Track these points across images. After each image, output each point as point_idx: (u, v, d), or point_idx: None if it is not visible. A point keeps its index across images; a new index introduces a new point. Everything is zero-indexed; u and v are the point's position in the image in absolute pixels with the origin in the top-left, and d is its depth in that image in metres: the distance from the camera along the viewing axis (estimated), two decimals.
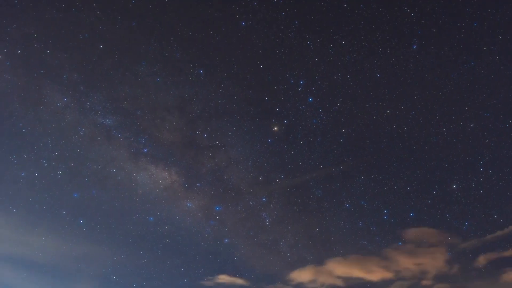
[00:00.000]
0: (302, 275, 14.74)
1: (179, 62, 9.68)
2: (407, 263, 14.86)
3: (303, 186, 13.56)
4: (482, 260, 14.11)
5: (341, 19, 10.89)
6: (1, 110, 8.78)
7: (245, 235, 13.64)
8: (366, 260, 14.91)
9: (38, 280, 11.77)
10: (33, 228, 10.68)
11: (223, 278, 14.04)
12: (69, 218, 10.86)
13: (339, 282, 14.92)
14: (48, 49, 8.45)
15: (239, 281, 14.20)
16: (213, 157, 11.76)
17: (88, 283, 12.62)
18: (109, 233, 11.65)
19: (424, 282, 14.66)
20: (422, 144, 13.50)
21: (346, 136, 13.01)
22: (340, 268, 14.91)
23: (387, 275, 14.83)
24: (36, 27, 8.20)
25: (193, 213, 12.48)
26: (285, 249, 14.47)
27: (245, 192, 12.80)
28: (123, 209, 11.43)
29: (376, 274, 14.87)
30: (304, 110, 12.01)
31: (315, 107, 12.10)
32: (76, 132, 9.76)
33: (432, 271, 14.65)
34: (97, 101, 9.66)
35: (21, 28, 8.14)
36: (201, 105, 10.67)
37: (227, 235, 13.30)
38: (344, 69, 11.75)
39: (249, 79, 10.79)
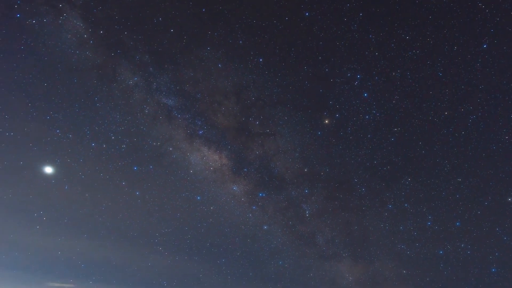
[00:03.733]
0: None
1: (241, 49, 9.90)
2: None
3: (347, 182, 13.34)
4: None
5: (407, 13, 10.42)
6: (81, 85, 9.66)
7: (284, 224, 13.79)
8: None
9: (91, 241, 12.88)
10: (96, 195, 11.69)
11: None
12: (127, 189, 11.73)
13: None
14: (126, 30, 9.09)
15: None
16: (262, 145, 11.97)
17: (135, 251, 13.59)
18: (160, 207, 12.40)
19: None
20: (479, 151, 12.64)
21: (397, 135, 12.54)
22: None
23: None
24: (118, 9, 8.84)
25: (238, 197, 12.85)
26: (321, 243, 14.44)
27: (289, 182, 12.90)
28: (174, 186, 12.09)
29: None
30: (358, 105, 11.75)
31: (369, 103, 11.78)
32: (141, 110, 10.47)
33: None
34: (163, 82, 10.25)
35: (105, 10, 8.83)
36: (257, 92, 10.86)
37: (266, 221, 13.54)
38: (404, 65, 11.27)
39: (306, 70, 10.75)
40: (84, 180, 11.17)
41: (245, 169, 12.31)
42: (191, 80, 10.25)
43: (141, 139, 10.88)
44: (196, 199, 12.42)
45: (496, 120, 12.03)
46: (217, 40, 9.66)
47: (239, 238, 13.71)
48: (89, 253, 12.83)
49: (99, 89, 9.85)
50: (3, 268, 12.63)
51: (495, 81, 11.49)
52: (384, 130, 12.36)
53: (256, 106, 11.09)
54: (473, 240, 14.02)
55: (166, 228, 12.88)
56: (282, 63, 10.47)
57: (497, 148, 12.42)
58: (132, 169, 11.35)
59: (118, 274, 13.60)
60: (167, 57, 9.66)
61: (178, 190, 12.13)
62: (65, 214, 11.84)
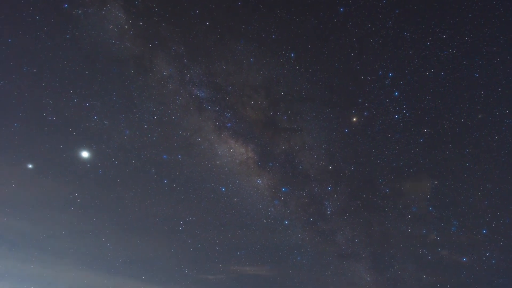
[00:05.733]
0: None
1: (273, 44, 9.80)
2: None
3: (371, 181, 12.98)
4: None
5: (446, 11, 9.95)
6: (119, 74, 9.91)
7: (304, 220, 13.63)
8: None
9: (120, 224, 13.25)
10: (127, 181, 12.00)
11: None
12: (156, 176, 11.97)
13: None
14: (164, 22, 9.21)
15: None
16: (289, 140, 11.84)
17: (160, 237, 13.87)
18: (186, 196, 12.56)
19: None
20: None
21: (427, 137, 12.05)
22: None
23: None
24: (158, 1, 8.98)
25: (261, 191, 12.81)
26: (341, 241, 14.15)
27: (313, 179, 12.71)
28: (201, 176, 12.20)
29: None
30: (387, 104, 11.37)
31: (399, 102, 11.37)
32: (174, 101, 10.61)
33: None
34: (196, 74, 10.32)
35: (145, 2, 8.99)
36: (286, 87, 10.72)
37: (288, 217, 13.42)
38: (439, 65, 10.78)
39: (337, 66, 10.51)
40: (117, 166, 11.51)
41: (270, 164, 12.25)
42: (223, 73, 10.28)
43: (172, 129, 11.05)
44: (220, 190, 12.50)
45: None
46: (250, 34, 9.62)
47: (260, 231, 13.70)
48: (117, 235, 13.23)
49: (136, 79, 10.09)
50: (37, 247, 13.24)
51: None
52: (413, 131, 11.92)
53: (285, 101, 10.98)
54: (499, 249, 13.32)
55: (191, 216, 13.06)
56: (313, 59, 10.29)
57: None
58: (162, 158, 11.56)
59: (143, 257, 13.96)
60: (201, 50, 9.73)
61: (204, 181, 12.26)
62: (97, 198, 12.26)
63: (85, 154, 11.14)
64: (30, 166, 11.25)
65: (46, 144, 10.88)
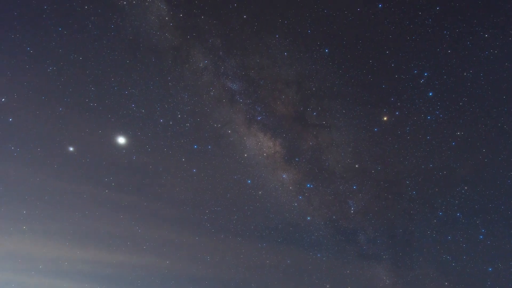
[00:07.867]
0: None
1: (308, 39, 9.58)
2: None
3: (398, 183, 12.45)
4: None
5: (490, 9, 9.34)
6: (158, 64, 10.07)
7: (327, 217, 13.28)
8: None
9: (149, 209, 13.43)
10: (158, 168, 12.18)
11: None
12: (186, 165, 12.04)
13: None
14: (203, 14, 9.23)
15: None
16: (317, 136, 11.56)
17: (185, 224, 13.96)
18: (213, 185, 12.58)
19: None
20: None
21: (460, 140, 11.40)
22: None
23: None
24: None
25: (286, 185, 12.60)
26: (362, 241, 13.69)
27: (338, 176, 12.35)
28: (228, 167, 12.17)
29: None
30: (420, 104, 10.85)
31: (433, 103, 10.82)
32: (207, 92, 10.64)
33: None
34: (230, 66, 10.30)
35: None
36: (318, 83, 10.47)
37: (310, 213, 13.13)
38: (479, 65, 10.15)
39: (371, 64, 10.13)
40: (150, 153, 11.68)
41: (296, 159, 12.02)
42: (256, 67, 10.18)
43: (204, 120, 11.08)
44: (246, 182, 12.41)
45: None
46: (286, 28, 9.45)
47: (282, 225, 13.49)
48: (146, 220, 13.45)
49: (173, 69, 10.19)
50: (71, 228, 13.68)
51: None
52: (446, 133, 11.31)
53: (316, 97, 10.73)
54: None
55: (216, 206, 13.06)
56: (347, 55, 9.98)
57: None
58: (193, 147, 11.62)
59: (169, 244, 14.11)
60: (237, 43, 9.69)
61: (231, 172, 12.22)
62: (129, 183, 12.51)
63: (121, 140, 11.39)
64: (71, 149, 11.61)
65: (86, 128, 11.23)
